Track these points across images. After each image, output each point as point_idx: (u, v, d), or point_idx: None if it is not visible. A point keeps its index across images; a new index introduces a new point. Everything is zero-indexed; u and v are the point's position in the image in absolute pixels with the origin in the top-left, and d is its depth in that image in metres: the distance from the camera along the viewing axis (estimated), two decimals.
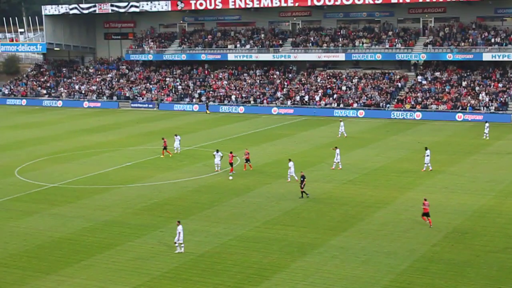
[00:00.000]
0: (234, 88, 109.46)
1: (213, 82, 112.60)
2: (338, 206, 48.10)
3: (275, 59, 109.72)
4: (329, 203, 48.82)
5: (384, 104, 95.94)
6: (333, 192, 52.07)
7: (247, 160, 59.99)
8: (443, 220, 44.13)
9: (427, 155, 58.36)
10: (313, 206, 48.14)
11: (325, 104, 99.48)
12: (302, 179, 50.24)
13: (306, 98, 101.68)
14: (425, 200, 43.68)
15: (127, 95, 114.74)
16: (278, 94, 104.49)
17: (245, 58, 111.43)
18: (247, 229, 43.01)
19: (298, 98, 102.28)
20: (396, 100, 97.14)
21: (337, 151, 59.95)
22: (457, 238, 40.60)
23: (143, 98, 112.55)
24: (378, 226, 43.17)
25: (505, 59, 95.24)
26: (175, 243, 38.90)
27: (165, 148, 66.91)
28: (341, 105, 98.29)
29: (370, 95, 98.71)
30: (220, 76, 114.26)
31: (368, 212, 46.35)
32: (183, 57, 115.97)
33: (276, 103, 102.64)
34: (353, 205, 48.20)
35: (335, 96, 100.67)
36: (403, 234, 41.42)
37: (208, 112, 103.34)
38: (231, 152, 59.77)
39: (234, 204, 49.04)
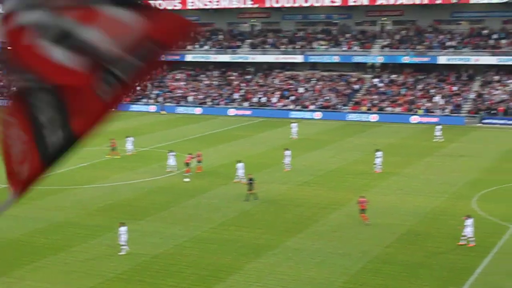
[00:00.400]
0: (191, 89, 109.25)
1: (170, 83, 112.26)
2: (293, 207, 48.28)
3: (233, 60, 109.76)
4: (284, 205, 48.98)
5: (340, 106, 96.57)
6: (288, 193, 52.25)
7: (199, 161, 59.84)
8: (397, 221, 44.57)
9: (378, 157, 58.96)
10: (268, 208, 48.25)
11: (282, 106, 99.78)
12: (249, 181, 50.23)
13: (264, 99, 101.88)
14: (362, 197, 44.50)
15: None
16: (236, 95, 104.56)
17: (203, 59, 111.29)
18: (203, 231, 42.96)
19: (255, 99, 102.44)
20: (352, 102, 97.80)
21: (286, 152, 60.26)
22: (411, 239, 41.02)
23: None
24: (333, 228, 43.43)
25: (460, 62, 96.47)
26: (120, 244, 38.72)
27: (113, 149, 66.55)
28: (298, 107, 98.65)
29: (327, 97, 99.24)
30: (178, 77, 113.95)
31: (323, 213, 46.59)
32: None
33: (233, 105, 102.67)
34: (308, 206, 48.42)
35: (292, 97, 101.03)
36: (357, 236, 41.73)
37: (162, 113, 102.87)
38: (189, 154, 59.71)
39: (190, 205, 48.96)
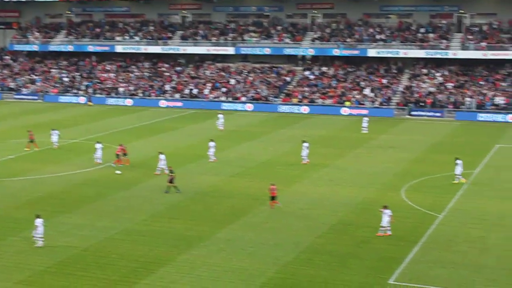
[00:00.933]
0: (121, 80, 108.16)
1: (100, 74, 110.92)
2: (225, 199, 48.30)
3: (164, 51, 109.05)
4: (216, 196, 48.96)
5: (271, 98, 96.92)
6: (220, 185, 52.24)
7: (125, 154, 59.22)
8: (328, 212, 45.01)
9: (305, 148, 59.44)
10: (200, 199, 48.17)
11: (214, 98, 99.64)
12: (170, 173, 50.07)
13: (195, 91, 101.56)
14: (272, 184, 45.21)
15: (10, 86, 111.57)
16: (167, 87, 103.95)
17: (133, 50, 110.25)
18: (133, 223, 42.61)
19: (187, 91, 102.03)
20: (284, 94, 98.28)
21: (210, 144, 60.33)
22: (341, 230, 41.47)
23: (27, 90, 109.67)
24: (265, 219, 43.61)
25: (389, 55, 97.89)
26: (33, 236, 38.11)
27: (31, 141, 65.48)
28: (230, 99, 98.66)
29: (258, 89, 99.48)
30: (108, 68, 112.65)
31: (255, 204, 46.73)
32: (70, 48, 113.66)
33: (164, 96, 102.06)
34: (240, 198, 48.51)
35: (224, 89, 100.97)
36: (289, 227, 41.99)
37: (89, 104, 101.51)
38: (120, 145, 59.22)
39: (120, 198, 48.51)
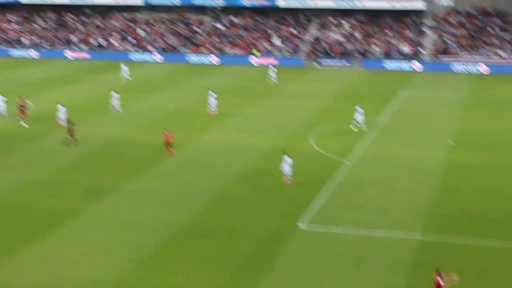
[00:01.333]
0: (26, 31, 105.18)
1: (3, 25, 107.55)
2: (133, 149, 47.91)
3: (70, 3, 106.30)
4: (124, 147, 48.52)
5: (181, 48, 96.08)
6: (129, 136, 51.72)
7: (22, 107, 57.64)
8: (236, 160, 45.20)
9: (212, 98, 59.20)
10: (108, 151, 47.63)
11: (122, 49, 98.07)
12: (70, 124, 49.06)
13: (103, 42, 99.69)
14: (167, 131, 46.34)
15: None
16: (73, 38, 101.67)
17: (38, 1, 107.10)
18: (41, 175, 41.88)
19: (94, 42, 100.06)
20: (193, 45, 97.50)
21: (114, 94, 59.57)
22: (251, 177, 41.74)
23: None
24: (174, 169, 43.51)
25: (298, 5, 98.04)
26: None
27: None
28: (138, 49, 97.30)
29: (167, 39, 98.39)
30: (11, 19, 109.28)
31: (163, 155, 46.50)
32: None
33: (71, 47, 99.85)
34: (149, 148, 48.18)
35: (132, 40, 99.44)
36: (199, 176, 42.03)
37: None
38: (19, 97, 57.89)
39: (27, 150, 47.52)
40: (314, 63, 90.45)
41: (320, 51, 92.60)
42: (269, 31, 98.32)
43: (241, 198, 37.98)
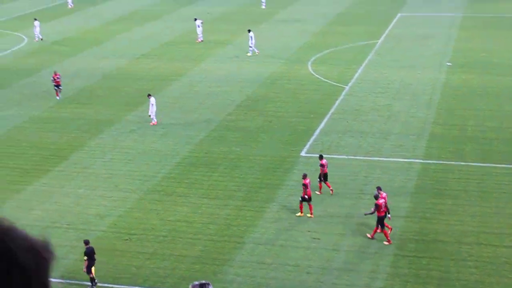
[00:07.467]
0: None
1: None
2: (132, 81, 47.78)
3: None
4: (123, 79, 48.39)
5: None
6: (127, 67, 51.50)
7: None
8: (236, 89, 45.15)
9: (198, 26, 58.35)
10: (106, 83, 47.54)
11: None
12: None
13: None
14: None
15: None
16: None
17: None
18: (41, 110, 41.87)
19: None
20: None
21: None
22: (250, 105, 41.80)
23: None
24: (174, 100, 43.52)
25: None
26: None
27: None
28: None
29: None
30: None
31: (163, 85, 46.46)
32: None
33: None
34: (148, 79, 48.06)
35: None
36: (199, 106, 42.09)
37: None
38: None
39: (25, 85, 47.34)
40: None
41: None
42: None
43: (242, 127, 38.12)
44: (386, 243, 25.86)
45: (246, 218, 28.19)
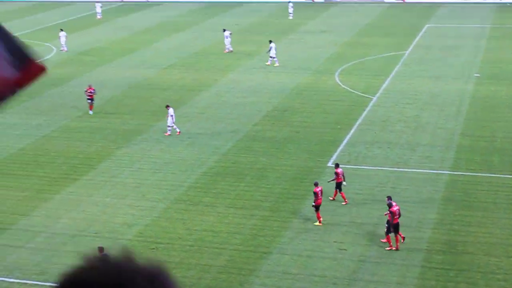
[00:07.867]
0: None
1: None
2: (160, 91, 47.97)
3: None
4: (150, 89, 48.59)
5: None
6: (154, 78, 51.76)
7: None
8: (263, 99, 45.20)
9: (227, 37, 58.42)
10: (134, 93, 47.77)
11: None
12: None
13: None
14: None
15: None
16: None
17: None
18: (69, 120, 42.17)
19: None
20: None
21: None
22: (277, 116, 41.81)
23: None
24: (201, 110, 43.64)
25: None
26: None
27: None
28: None
29: None
30: None
31: (190, 95, 46.63)
32: None
33: None
34: (175, 89, 48.27)
35: None
36: (226, 116, 42.15)
37: None
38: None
39: (54, 95, 47.67)
40: None
41: None
42: None
43: (269, 137, 38.12)
44: (388, 248, 25.92)
45: (273, 228, 28.16)
